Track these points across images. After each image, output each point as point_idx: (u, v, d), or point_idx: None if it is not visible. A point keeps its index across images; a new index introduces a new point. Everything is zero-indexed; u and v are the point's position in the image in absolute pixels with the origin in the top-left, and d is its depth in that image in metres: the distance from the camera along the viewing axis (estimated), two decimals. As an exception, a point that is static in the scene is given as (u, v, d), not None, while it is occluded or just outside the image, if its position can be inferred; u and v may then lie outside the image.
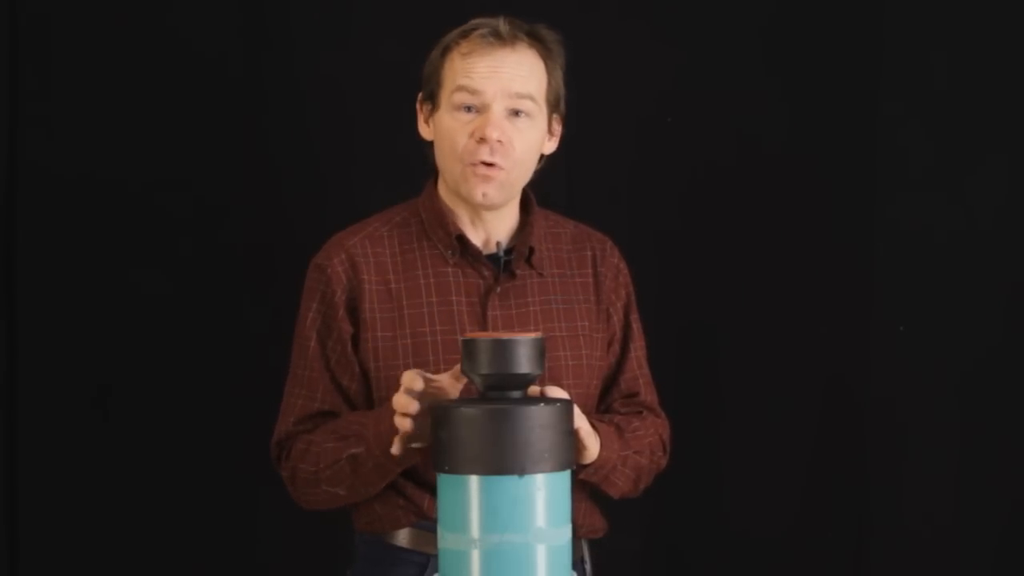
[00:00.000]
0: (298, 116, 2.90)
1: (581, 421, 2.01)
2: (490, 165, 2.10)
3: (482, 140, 2.08)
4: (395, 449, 1.95)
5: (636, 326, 2.28)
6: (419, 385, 1.90)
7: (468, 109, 2.10)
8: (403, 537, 2.14)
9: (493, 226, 2.18)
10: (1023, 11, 2.94)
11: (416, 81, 2.19)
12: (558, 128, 2.19)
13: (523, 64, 2.12)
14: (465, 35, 2.12)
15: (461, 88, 2.10)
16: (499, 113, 2.09)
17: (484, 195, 2.11)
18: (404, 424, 1.91)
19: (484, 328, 2.12)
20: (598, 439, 2.07)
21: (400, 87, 2.29)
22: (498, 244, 2.17)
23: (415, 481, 2.10)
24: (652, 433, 2.23)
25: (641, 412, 2.24)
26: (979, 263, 2.95)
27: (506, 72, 2.10)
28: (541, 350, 1.84)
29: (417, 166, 2.23)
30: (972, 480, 2.96)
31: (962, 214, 2.95)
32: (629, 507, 2.34)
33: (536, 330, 2.12)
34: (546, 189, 2.25)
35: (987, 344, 2.96)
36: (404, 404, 1.90)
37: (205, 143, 2.88)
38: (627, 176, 2.96)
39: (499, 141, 2.09)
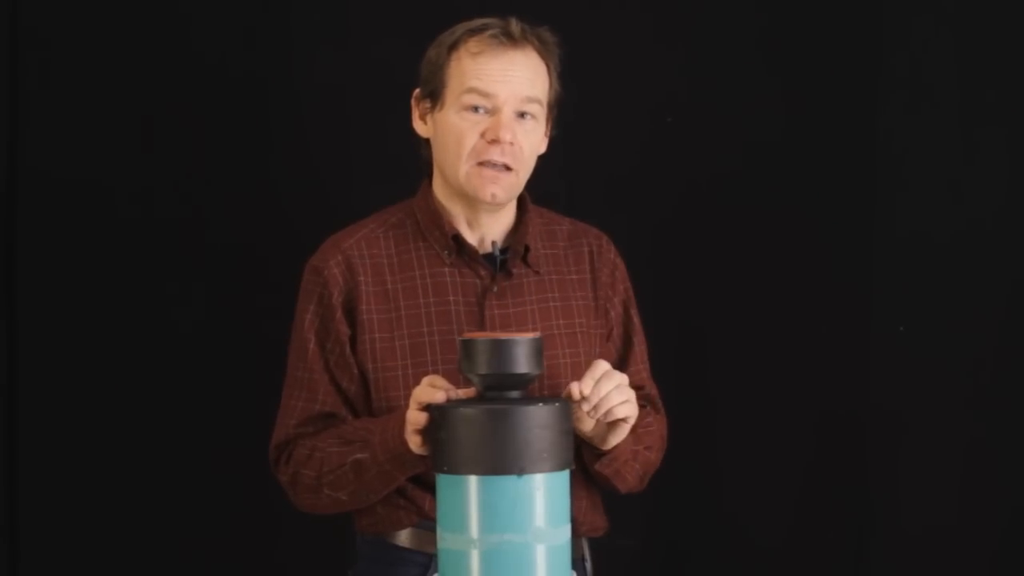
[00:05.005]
0: (294, 117, 2.90)
1: None
2: (508, 169, 2.10)
3: (494, 141, 2.09)
4: (414, 447, 1.93)
5: (637, 321, 2.29)
6: (441, 383, 1.90)
7: (476, 109, 2.10)
8: (405, 537, 2.14)
9: (489, 225, 2.18)
10: (1022, 10, 2.94)
11: (413, 83, 2.19)
12: (549, 129, 2.20)
13: (531, 67, 2.13)
14: (474, 34, 2.12)
15: (472, 90, 2.10)
16: (509, 115, 2.10)
17: (493, 196, 2.12)
18: (419, 419, 1.89)
19: (482, 327, 2.12)
20: None
21: (397, 88, 2.29)
22: (493, 243, 2.17)
23: (416, 481, 2.10)
24: (659, 427, 2.24)
25: (645, 406, 2.24)
26: (979, 263, 2.94)
27: (517, 75, 2.10)
28: (539, 350, 1.84)
29: (413, 167, 2.23)
30: (973, 480, 2.96)
31: (962, 214, 2.95)
32: (629, 506, 2.34)
33: (534, 328, 2.12)
34: (546, 189, 2.25)
35: (987, 344, 2.96)
36: (429, 394, 1.89)
37: (203, 144, 2.88)
38: (626, 176, 2.96)
39: (510, 143, 2.09)
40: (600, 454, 2.08)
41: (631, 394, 1.99)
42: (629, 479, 2.16)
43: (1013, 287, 2.95)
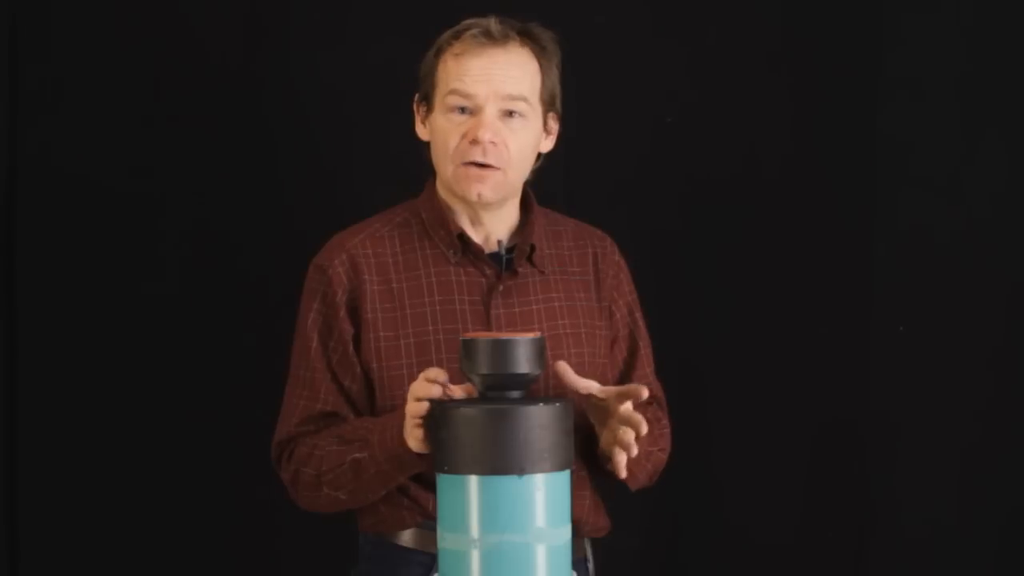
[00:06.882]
0: (298, 117, 2.90)
1: None
2: (483, 166, 2.10)
3: (474, 141, 2.09)
4: (413, 445, 1.93)
5: (642, 323, 2.29)
6: (443, 378, 1.90)
7: (461, 111, 2.11)
8: (408, 537, 2.14)
9: (494, 225, 2.19)
10: (1022, 10, 2.94)
11: (415, 82, 2.19)
12: (555, 126, 2.19)
13: (515, 64, 2.12)
14: (457, 36, 2.13)
15: (454, 91, 2.10)
16: (492, 115, 2.10)
17: (479, 195, 2.12)
18: (419, 408, 1.89)
19: (487, 327, 2.12)
20: None
21: (400, 87, 2.29)
22: (499, 243, 2.17)
23: (420, 481, 2.10)
24: (667, 428, 2.26)
25: (652, 404, 2.25)
26: (979, 263, 2.95)
27: (498, 74, 2.10)
28: (540, 350, 1.84)
29: (417, 166, 2.24)
30: (972, 481, 2.96)
31: (962, 214, 2.95)
32: (630, 506, 2.34)
33: (538, 328, 2.12)
34: (546, 189, 2.25)
35: (987, 344, 2.96)
36: (425, 389, 1.90)
37: (205, 143, 2.88)
38: (626, 176, 2.96)
39: (492, 143, 2.09)
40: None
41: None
42: (640, 477, 2.18)
43: (1013, 287, 2.95)
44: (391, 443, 1.98)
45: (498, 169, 2.11)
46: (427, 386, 1.89)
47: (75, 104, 2.86)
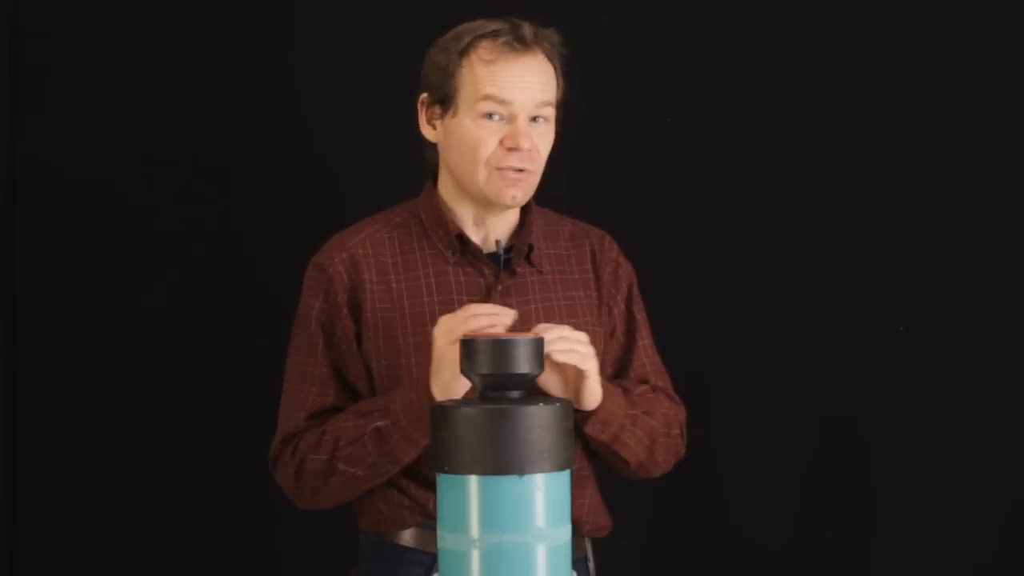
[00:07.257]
0: (298, 117, 2.90)
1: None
2: (520, 171, 2.11)
3: (513, 148, 2.09)
4: (439, 386, 1.97)
5: (640, 317, 2.29)
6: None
7: (491, 116, 2.11)
8: (408, 537, 2.15)
9: (496, 225, 2.19)
10: (1023, 10, 2.94)
11: (416, 82, 2.19)
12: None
13: (543, 71, 2.13)
14: (484, 39, 2.12)
15: (488, 97, 2.10)
16: (525, 121, 2.11)
17: (514, 198, 2.13)
18: (477, 322, 1.94)
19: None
20: (601, 388, 2.07)
21: (400, 86, 2.29)
22: (497, 242, 2.18)
23: (420, 481, 2.11)
24: (663, 404, 2.24)
25: (651, 388, 2.26)
26: (979, 263, 2.95)
27: (531, 81, 2.11)
28: (540, 350, 1.84)
29: (417, 166, 2.24)
30: (973, 481, 2.96)
31: (962, 214, 2.95)
32: (629, 506, 2.34)
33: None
34: (546, 189, 2.25)
35: (987, 343, 2.96)
36: (488, 309, 1.96)
37: (205, 144, 2.89)
38: (627, 177, 2.97)
39: (528, 149, 2.10)
40: (587, 416, 2.08)
41: (583, 346, 2.02)
42: (633, 446, 2.15)
43: (1013, 287, 2.95)
44: (416, 403, 2.00)
45: (532, 173, 2.13)
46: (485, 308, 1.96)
47: (75, 104, 2.86)
